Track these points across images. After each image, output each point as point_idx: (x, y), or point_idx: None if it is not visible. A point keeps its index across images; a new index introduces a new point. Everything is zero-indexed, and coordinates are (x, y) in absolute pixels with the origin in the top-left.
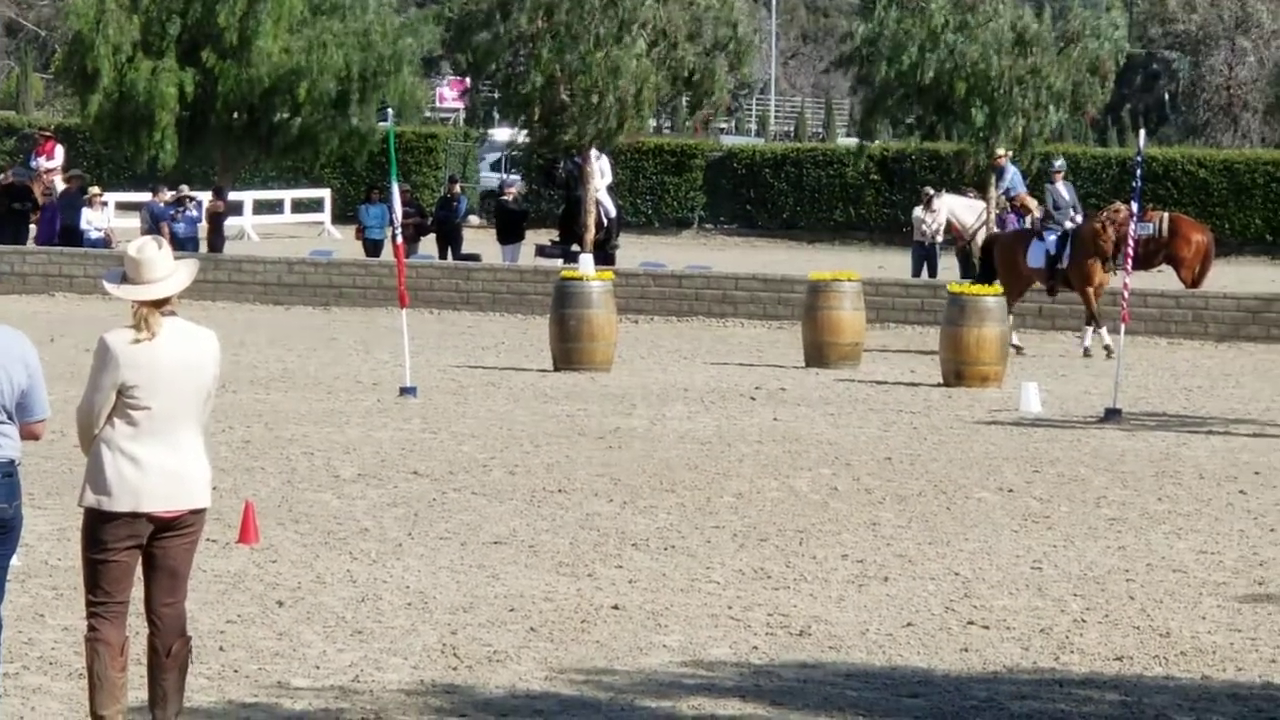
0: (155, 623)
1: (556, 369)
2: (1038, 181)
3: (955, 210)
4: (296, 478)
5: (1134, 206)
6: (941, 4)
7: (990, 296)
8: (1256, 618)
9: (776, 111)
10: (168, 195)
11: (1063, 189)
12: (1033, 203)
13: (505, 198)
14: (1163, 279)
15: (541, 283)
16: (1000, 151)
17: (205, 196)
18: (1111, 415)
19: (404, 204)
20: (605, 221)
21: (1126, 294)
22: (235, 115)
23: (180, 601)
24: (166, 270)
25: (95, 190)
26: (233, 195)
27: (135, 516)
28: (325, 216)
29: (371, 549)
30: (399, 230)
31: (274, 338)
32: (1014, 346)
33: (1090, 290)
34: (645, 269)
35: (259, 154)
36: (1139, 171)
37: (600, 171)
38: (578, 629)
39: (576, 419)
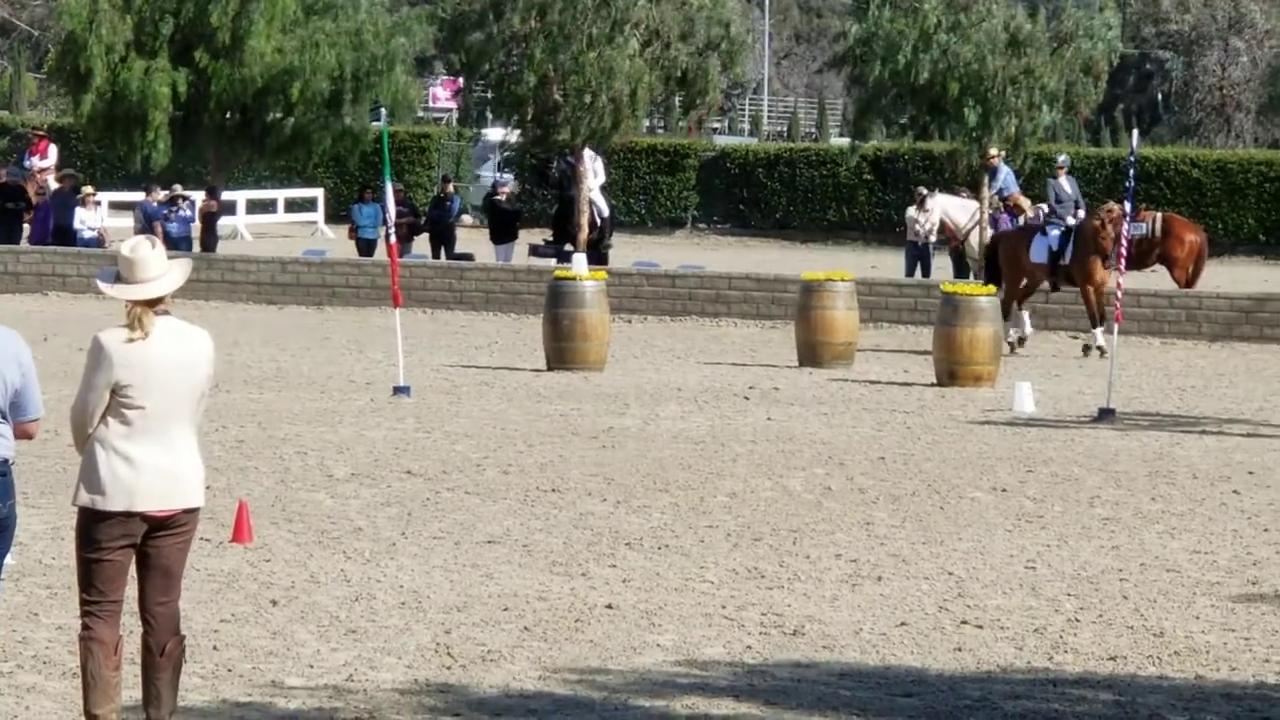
0: (149, 622)
1: (550, 368)
2: (1031, 181)
3: (948, 210)
4: (290, 477)
5: (1127, 206)
6: (934, 4)
7: (983, 296)
8: (1250, 617)
9: (770, 111)
10: (161, 195)
11: (1066, 183)
12: (1026, 202)
13: (498, 197)
14: (1156, 279)
15: (535, 282)
16: (993, 151)
17: (198, 196)
18: (1105, 415)
19: (397, 203)
20: (599, 221)
21: (1120, 294)
22: (228, 115)
23: (174, 601)
24: (160, 270)
25: (88, 190)
26: (226, 195)
27: (129, 516)
28: (318, 216)
29: (365, 548)
30: (392, 230)
31: (267, 337)
32: (1013, 342)
33: (1091, 289)
34: (639, 269)
35: (252, 153)
36: (1132, 171)
37: (594, 171)
38: (571, 628)
39: (570, 418)
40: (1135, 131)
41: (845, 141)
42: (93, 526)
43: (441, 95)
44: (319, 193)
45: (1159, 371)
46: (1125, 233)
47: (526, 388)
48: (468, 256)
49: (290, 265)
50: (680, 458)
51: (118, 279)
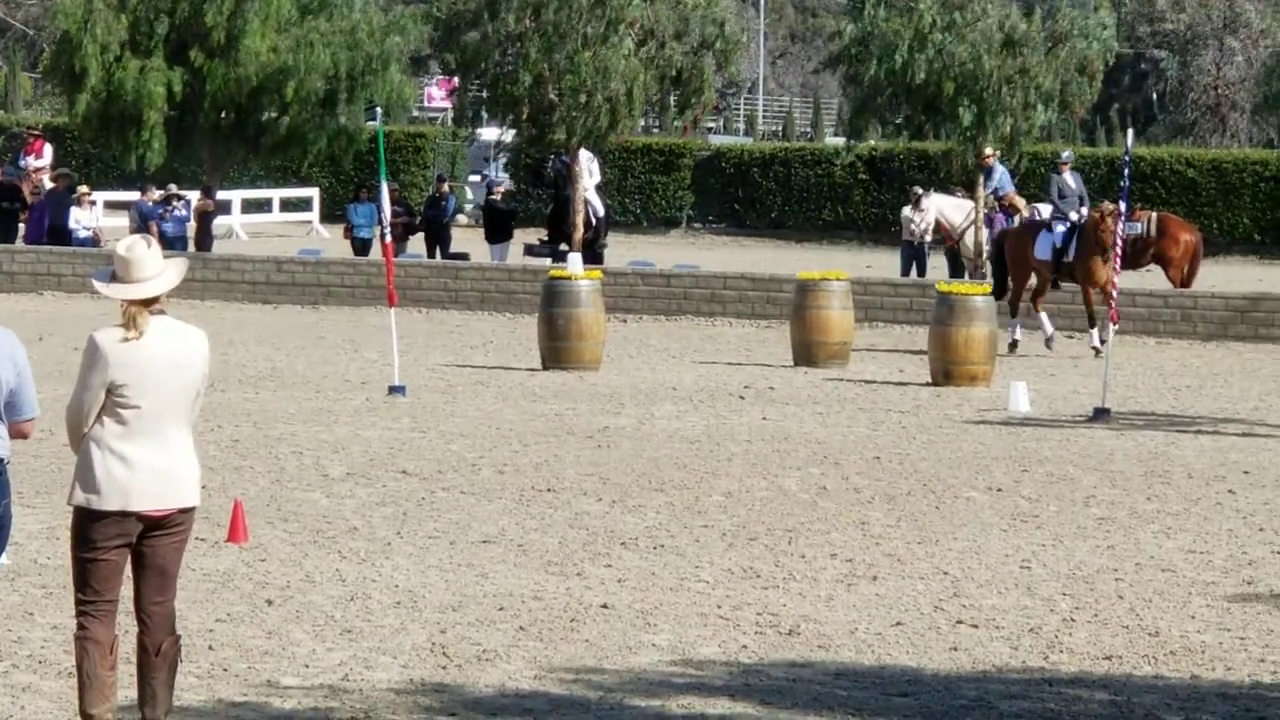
0: (144, 621)
1: (545, 368)
2: (1026, 181)
3: (944, 210)
4: (285, 477)
5: (1122, 206)
6: (929, 4)
7: (978, 296)
8: (1245, 617)
9: (765, 111)
10: (156, 194)
11: (1070, 179)
12: (1021, 202)
13: (494, 197)
14: (1151, 278)
15: (530, 282)
16: (988, 151)
17: (193, 195)
18: (1100, 415)
19: (392, 203)
20: (594, 221)
21: (1115, 293)
22: (223, 114)
23: (169, 600)
24: (155, 269)
25: (83, 189)
26: (221, 194)
27: (124, 515)
28: (313, 215)
29: (360, 548)
30: (388, 229)
31: (262, 337)
32: (1050, 338)
33: (1092, 290)
34: (634, 268)
35: (247, 153)
36: (1127, 171)
37: (589, 171)
38: (567, 628)
39: (565, 418)
40: (1130, 131)
41: (840, 141)
42: (88, 526)
43: (437, 95)
44: (314, 192)
45: (1154, 371)
46: (1120, 232)
47: (522, 387)
48: (463, 256)
49: (285, 265)
50: (675, 457)
51: (113, 278)
